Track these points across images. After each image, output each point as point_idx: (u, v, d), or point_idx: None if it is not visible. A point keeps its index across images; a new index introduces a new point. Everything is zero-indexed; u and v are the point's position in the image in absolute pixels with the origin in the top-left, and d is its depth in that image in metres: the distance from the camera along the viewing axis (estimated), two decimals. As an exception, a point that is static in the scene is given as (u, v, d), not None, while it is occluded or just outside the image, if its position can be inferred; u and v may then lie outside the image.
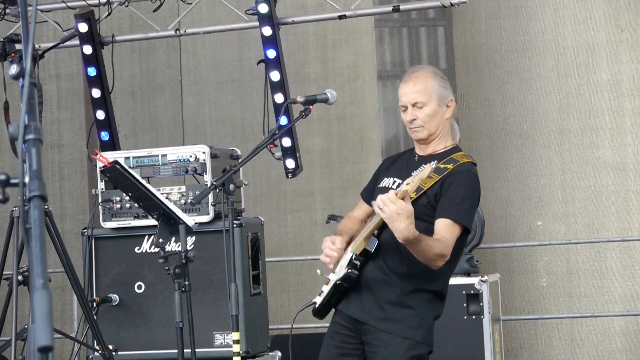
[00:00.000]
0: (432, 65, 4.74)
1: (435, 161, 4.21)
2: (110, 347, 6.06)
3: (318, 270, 4.57)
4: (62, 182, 9.95)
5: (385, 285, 4.37)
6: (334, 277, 4.43)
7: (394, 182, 4.48)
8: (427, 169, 4.03)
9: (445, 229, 4.27)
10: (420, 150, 4.53)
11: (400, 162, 4.59)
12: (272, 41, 7.66)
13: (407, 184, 4.06)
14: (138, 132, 9.84)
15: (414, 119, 4.42)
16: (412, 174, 4.14)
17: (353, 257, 4.35)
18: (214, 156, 6.31)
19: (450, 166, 4.36)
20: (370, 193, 4.64)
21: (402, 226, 4.07)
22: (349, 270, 4.34)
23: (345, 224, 4.66)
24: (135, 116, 9.86)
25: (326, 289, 4.47)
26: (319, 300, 4.50)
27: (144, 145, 9.54)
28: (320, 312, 4.53)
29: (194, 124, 9.79)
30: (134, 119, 9.85)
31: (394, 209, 4.05)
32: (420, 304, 4.38)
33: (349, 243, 4.53)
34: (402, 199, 4.08)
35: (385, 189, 4.46)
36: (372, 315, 4.38)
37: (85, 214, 9.81)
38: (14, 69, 2.19)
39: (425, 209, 4.30)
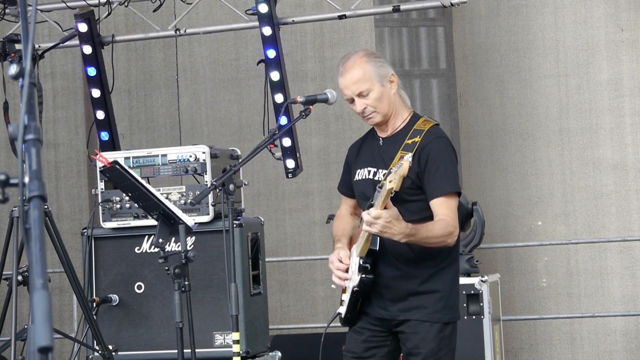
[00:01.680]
0: (365, 49, 4.69)
1: (410, 154, 4.19)
2: (110, 347, 6.05)
3: (333, 285, 4.56)
4: (59, 182, 9.93)
5: (403, 279, 4.38)
6: (350, 284, 4.43)
7: (369, 171, 4.48)
8: (405, 165, 4.04)
9: (442, 206, 4.29)
10: (381, 133, 4.52)
11: (366, 149, 4.57)
12: (272, 41, 7.66)
13: (390, 182, 4.06)
14: (135, 132, 9.82)
15: (365, 108, 4.41)
16: (392, 170, 4.14)
17: (361, 262, 4.35)
18: (213, 156, 6.31)
19: (417, 139, 4.36)
20: (347, 186, 4.66)
21: (397, 230, 4.13)
22: (363, 276, 4.34)
23: (338, 226, 4.66)
24: (132, 115, 9.84)
25: (346, 297, 4.47)
26: (342, 310, 4.50)
27: (141, 144, 9.52)
28: (348, 321, 4.53)
29: (191, 123, 9.77)
30: (130, 118, 9.83)
31: (382, 222, 4.10)
32: (441, 285, 4.40)
33: (351, 242, 4.53)
34: (384, 207, 4.12)
35: (363, 182, 4.49)
36: (397, 309, 4.40)
37: (83, 214, 9.79)
38: (13, 69, 2.18)
39: (411, 190, 4.32)
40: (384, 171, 4.40)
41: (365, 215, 4.16)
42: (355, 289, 4.38)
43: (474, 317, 7.34)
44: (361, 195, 4.52)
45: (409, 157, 4.11)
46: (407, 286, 4.38)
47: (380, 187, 4.27)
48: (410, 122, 4.47)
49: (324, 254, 9.09)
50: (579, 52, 8.96)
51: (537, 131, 9.04)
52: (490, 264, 8.73)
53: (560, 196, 8.97)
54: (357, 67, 4.42)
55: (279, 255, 9.08)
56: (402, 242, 4.25)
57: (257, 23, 7.74)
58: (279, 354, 6.50)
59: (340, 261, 4.42)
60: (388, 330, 4.47)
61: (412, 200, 4.31)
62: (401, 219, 4.14)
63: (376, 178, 4.43)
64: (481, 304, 7.34)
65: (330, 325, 4.61)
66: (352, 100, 4.45)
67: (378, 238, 4.30)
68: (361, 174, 4.52)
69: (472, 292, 7.35)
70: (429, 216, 4.31)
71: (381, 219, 4.10)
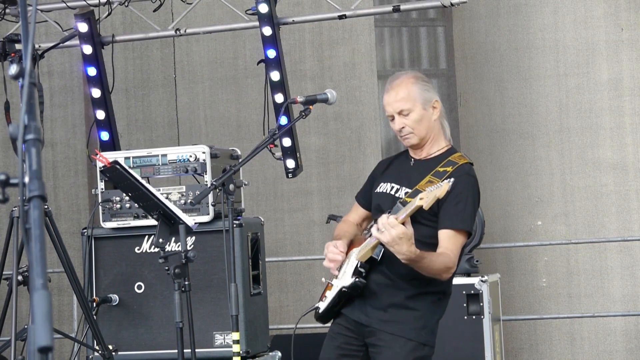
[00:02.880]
0: (415, 70, 4.76)
1: (453, 179, 4.17)
2: (110, 347, 6.05)
3: (323, 279, 4.57)
4: (56, 181, 9.90)
5: (390, 289, 4.38)
6: (337, 283, 4.43)
7: (392, 187, 4.48)
8: (444, 187, 4.01)
9: (449, 241, 4.30)
10: (415, 154, 4.54)
11: (396, 166, 4.59)
12: (272, 41, 7.66)
13: (421, 199, 4.04)
14: (132, 131, 9.77)
15: (403, 127, 4.44)
16: (427, 189, 4.12)
17: (359, 265, 4.36)
18: (214, 156, 6.31)
19: (449, 169, 4.38)
20: (365, 197, 4.67)
21: (404, 249, 4.12)
22: (357, 279, 4.35)
23: (341, 228, 4.66)
24: (129, 114, 9.78)
25: (330, 294, 4.47)
26: (322, 305, 4.50)
27: (138, 143, 9.49)
28: (323, 317, 4.54)
29: (189, 122, 9.74)
30: (128, 117, 9.78)
31: (395, 234, 4.09)
32: (424, 306, 4.40)
33: (349, 247, 4.54)
34: (403, 223, 4.11)
35: (383, 195, 4.49)
36: (376, 317, 4.40)
37: (81, 213, 9.77)
38: (14, 69, 2.18)
39: (428, 214, 4.30)
40: (407, 190, 4.40)
41: (383, 218, 4.14)
42: (344, 289, 4.38)
43: (474, 317, 7.34)
44: (377, 207, 4.52)
45: (450, 181, 4.08)
46: (392, 297, 4.38)
47: (402, 203, 4.28)
48: (447, 153, 4.48)
49: (323, 254, 9.08)
50: (578, 51, 8.96)
51: (537, 131, 9.04)
52: (490, 264, 8.73)
53: (560, 196, 8.97)
54: (403, 87, 4.44)
55: (278, 255, 9.07)
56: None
57: (257, 23, 7.74)
58: (279, 354, 6.50)
59: (336, 247, 4.44)
60: (362, 339, 4.45)
61: (424, 224, 4.30)
62: (412, 242, 4.13)
63: (397, 195, 4.43)
64: (481, 304, 7.34)
65: (323, 325, 4.62)
66: (392, 118, 4.47)
67: (382, 249, 4.29)
68: (383, 187, 4.52)
69: (472, 292, 7.35)
70: (434, 244, 4.32)
71: (395, 230, 4.09)
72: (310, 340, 7.88)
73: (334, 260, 4.44)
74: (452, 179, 4.14)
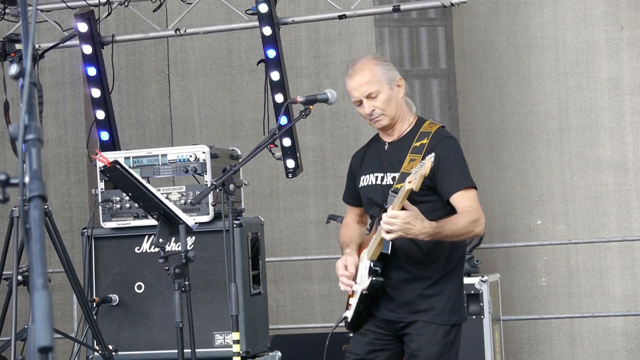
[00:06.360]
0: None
1: (434, 154, 4.19)
2: (110, 347, 6.05)
3: (340, 285, 4.55)
4: (47, 179, 9.79)
5: (411, 282, 4.39)
6: (358, 288, 4.42)
7: (376, 177, 4.48)
8: (427, 164, 4.03)
9: (462, 199, 4.30)
10: (387, 137, 4.53)
11: (371, 155, 4.59)
12: (272, 41, 7.66)
13: (410, 182, 4.05)
14: (124, 128, 9.66)
15: (373, 110, 4.43)
16: (412, 170, 4.13)
17: (372, 265, 4.34)
18: (214, 156, 6.31)
19: (425, 141, 4.39)
20: (352, 195, 4.67)
21: (418, 229, 4.12)
22: (373, 279, 4.33)
23: (346, 234, 4.66)
24: (122, 111, 9.66)
25: (353, 301, 4.46)
26: (349, 314, 4.50)
27: (131, 141, 9.43)
28: (354, 325, 4.53)
29: (182, 120, 9.69)
30: (120, 114, 9.69)
31: (401, 222, 4.09)
32: (449, 288, 4.43)
33: (360, 249, 4.53)
34: (402, 208, 4.11)
35: (370, 187, 4.48)
36: (405, 310, 4.41)
37: (72, 212, 9.73)
38: (14, 69, 2.18)
39: (421, 191, 4.29)
40: (392, 174, 4.40)
41: (384, 217, 4.15)
42: (365, 292, 4.37)
43: (474, 317, 7.33)
44: (368, 201, 4.51)
45: (431, 156, 4.10)
46: (416, 289, 4.39)
47: (394, 192, 4.27)
48: (416, 125, 4.49)
49: (319, 254, 9.07)
50: (578, 50, 8.95)
51: (536, 130, 9.03)
52: (490, 264, 8.72)
53: (559, 195, 8.96)
54: (366, 69, 4.44)
55: (275, 255, 9.03)
56: (411, 245, 4.28)
57: (256, 22, 7.74)
58: (279, 354, 6.50)
59: (346, 267, 4.42)
60: (393, 334, 4.47)
61: (422, 202, 4.30)
62: (423, 218, 4.13)
63: (384, 183, 4.43)
64: (481, 304, 7.34)
65: (323, 325, 4.60)
66: (359, 103, 4.46)
67: (390, 242, 4.28)
68: (367, 179, 4.52)
69: (472, 292, 7.35)
70: (440, 216, 4.30)
71: (398, 219, 4.09)
72: (310, 340, 7.88)
73: (348, 285, 4.43)
74: (432, 154, 4.16)
